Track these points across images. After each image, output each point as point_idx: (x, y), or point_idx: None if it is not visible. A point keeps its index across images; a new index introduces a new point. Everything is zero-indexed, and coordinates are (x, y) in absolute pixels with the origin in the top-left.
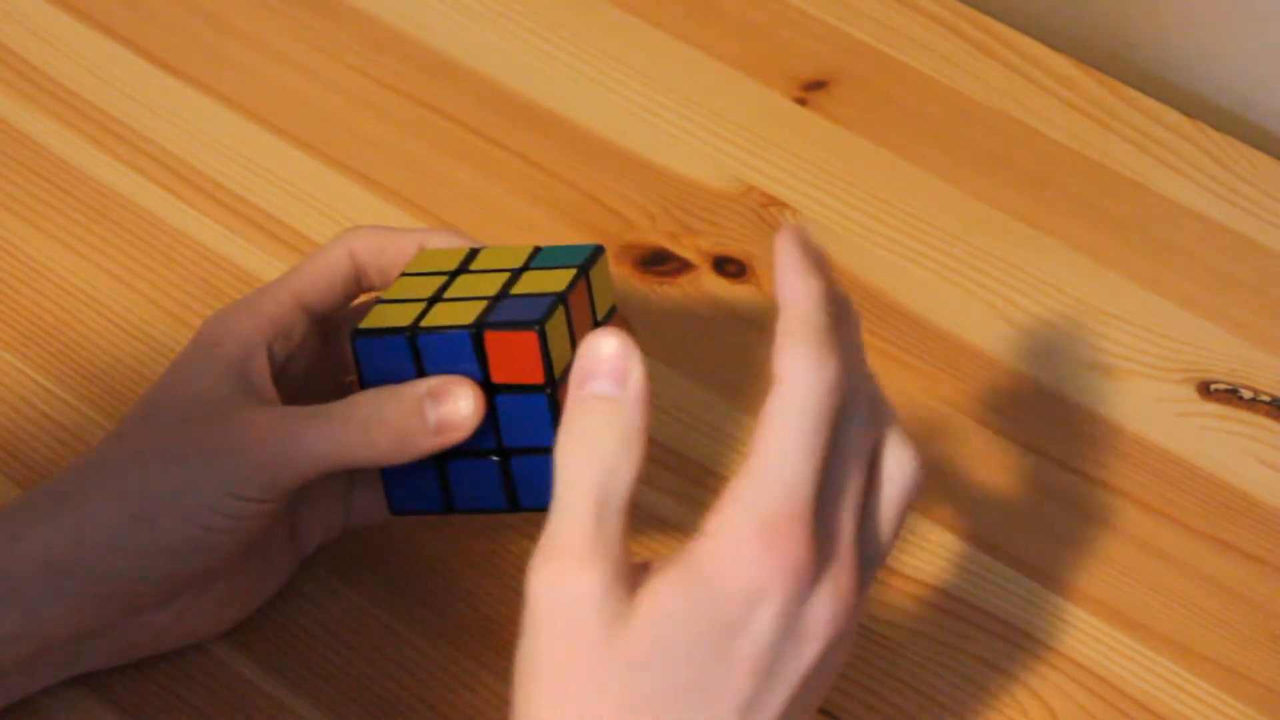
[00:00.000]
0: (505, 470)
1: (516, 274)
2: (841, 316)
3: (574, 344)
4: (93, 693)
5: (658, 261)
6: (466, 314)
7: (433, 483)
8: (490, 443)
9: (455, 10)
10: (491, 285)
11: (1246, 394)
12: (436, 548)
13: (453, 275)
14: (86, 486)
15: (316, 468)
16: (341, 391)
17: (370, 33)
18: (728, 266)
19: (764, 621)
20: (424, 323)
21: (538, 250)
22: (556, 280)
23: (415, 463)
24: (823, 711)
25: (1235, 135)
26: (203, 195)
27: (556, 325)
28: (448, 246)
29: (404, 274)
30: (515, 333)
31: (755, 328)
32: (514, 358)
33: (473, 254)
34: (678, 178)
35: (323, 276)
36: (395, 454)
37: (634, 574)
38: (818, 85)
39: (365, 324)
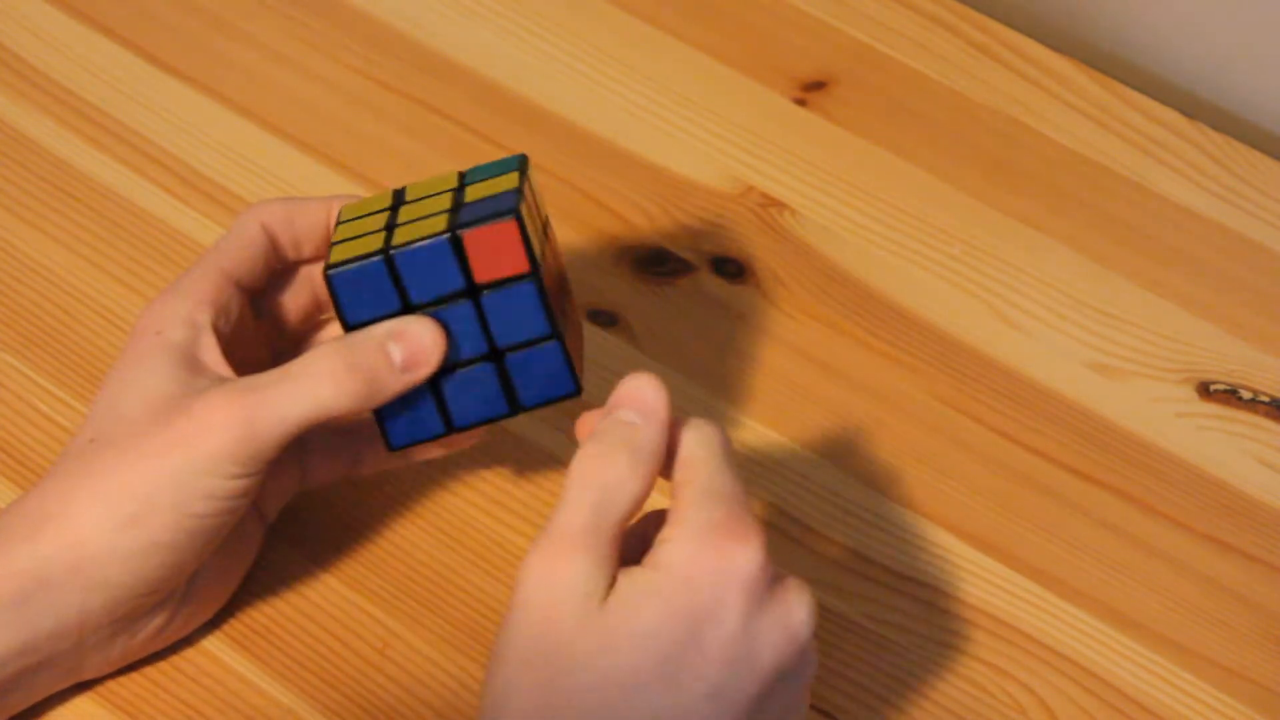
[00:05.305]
0: (502, 372)
1: (459, 191)
2: None
3: (532, 242)
4: (91, 693)
5: (657, 261)
6: (434, 226)
7: (428, 407)
8: (483, 348)
9: (455, 10)
10: (440, 203)
11: (1246, 394)
12: (437, 547)
13: (394, 208)
14: (72, 498)
15: (291, 429)
16: (278, 362)
17: (370, 33)
18: (727, 266)
19: (731, 609)
20: (395, 242)
21: (464, 173)
22: (504, 183)
23: (407, 393)
24: (822, 712)
25: (1235, 135)
26: (203, 195)
27: (527, 212)
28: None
29: (341, 221)
30: (494, 225)
31: (755, 328)
32: (496, 252)
33: (401, 191)
34: (677, 178)
35: (245, 251)
36: (367, 399)
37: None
38: (818, 85)
39: (335, 259)
